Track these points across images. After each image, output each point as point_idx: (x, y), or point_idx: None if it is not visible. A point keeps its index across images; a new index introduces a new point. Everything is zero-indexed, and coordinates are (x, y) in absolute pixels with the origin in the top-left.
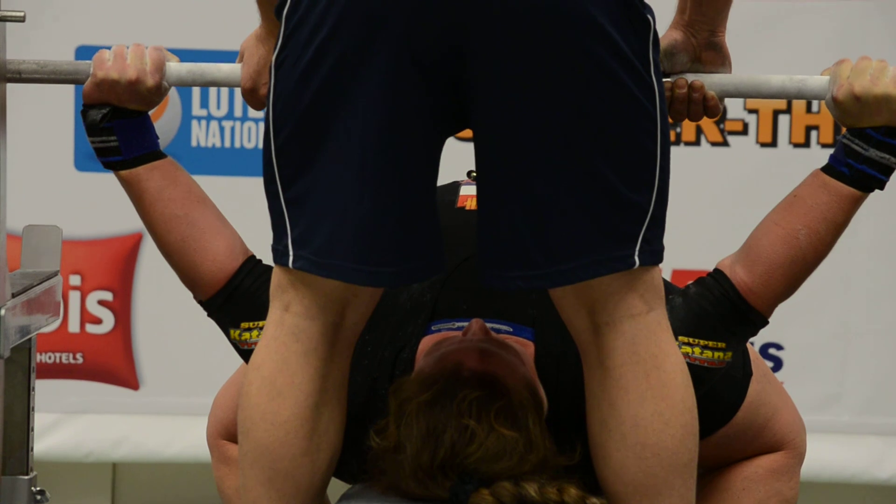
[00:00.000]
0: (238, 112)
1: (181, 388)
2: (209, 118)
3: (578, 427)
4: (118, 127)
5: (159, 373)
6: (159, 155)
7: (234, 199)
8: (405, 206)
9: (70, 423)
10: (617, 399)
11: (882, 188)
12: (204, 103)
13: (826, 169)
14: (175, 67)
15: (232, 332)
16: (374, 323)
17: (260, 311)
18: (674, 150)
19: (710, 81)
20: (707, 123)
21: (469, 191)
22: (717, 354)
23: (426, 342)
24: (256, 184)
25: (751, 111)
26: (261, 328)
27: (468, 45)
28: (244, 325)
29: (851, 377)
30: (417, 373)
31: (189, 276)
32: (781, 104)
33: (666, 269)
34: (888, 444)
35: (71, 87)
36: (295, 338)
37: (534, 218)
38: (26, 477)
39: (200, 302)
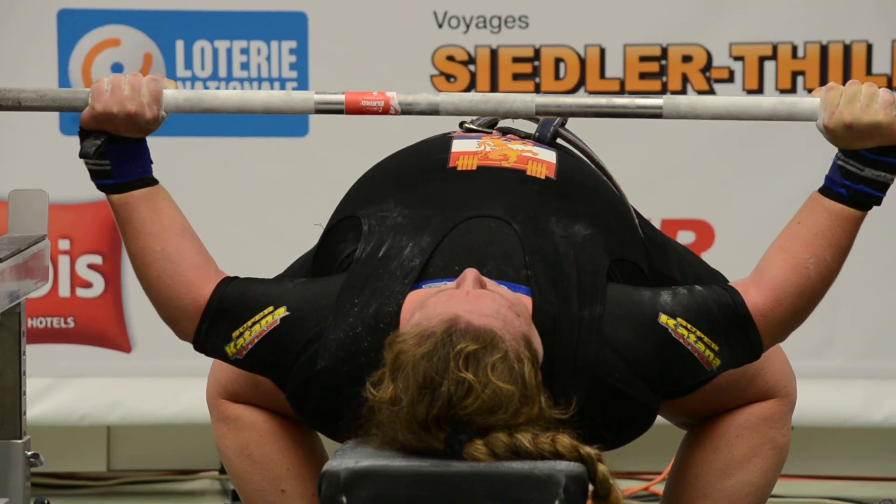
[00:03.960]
0: (223, 72)
1: (174, 350)
2: (194, 79)
3: (573, 385)
4: (112, 153)
5: (151, 335)
6: (151, 182)
7: (212, 162)
8: None
9: (63, 388)
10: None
11: (879, 204)
12: (188, 64)
13: (824, 191)
14: (172, 95)
15: (228, 349)
16: (362, 287)
17: (246, 313)
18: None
19: (702, 105)
20: (693, 71)
21: (461, 146)
22: (707, 353)
23: (414, 296)
24: (236, 144)
25: (736, 58)
26: (251, 326)
27: None
28: (236, 333)
29: (843, 322)
30: (413, 325)
31: (168, 311)
32: (767, 50)
33: (655, 220)
34: (881, 387)
35: (54, 46)
36: None
37: None
38: (20, 441)
39: (192, 340)
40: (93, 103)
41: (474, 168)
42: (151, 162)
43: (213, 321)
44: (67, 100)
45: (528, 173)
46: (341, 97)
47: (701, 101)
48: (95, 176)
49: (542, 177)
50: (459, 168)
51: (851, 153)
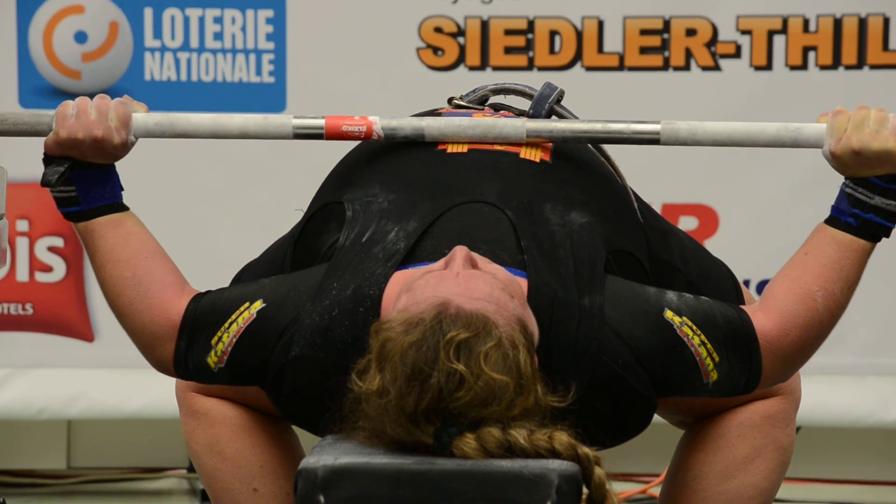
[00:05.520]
0: (194, 42)
1: None
2: (163, 49)
3: (573, 371)
4: (78, 179)
5: (115, 323)
6: (119, 207)
7: (188, 142)
8: None
9: (20, 379)
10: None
11: (888, 235)
12: (157, 33)
13: (831, 221)
14: (142, 119)
15: (210, 360)
16: (342, 270)
17: (222, 316)
18: (662, 75)
19: (703, 131)
20: (697, 45)
21: None
22: (708, 361)
23: (399, 276)
24: None
25: (744, 31)
26: (229, 327)
27: None
28: (214, 339)
29: (854, 316)
30: (400, 311)
31: (143, 338)
32: (776, 23)
33: (656, 204)
34: (894, 385)
35: (12, 14)
36: None
37: None
38: None
39: (173, 364)
40: (57, 129)
41: (465, 150)
42: (122, 188)
43: (190, 335)
44: (30, 124)
45: (522, 156)
46: (321, 122)
47: (701, 127)
48: (61, 204)
49: (537, 160)
50: (449, 151)
51: (860, 181)
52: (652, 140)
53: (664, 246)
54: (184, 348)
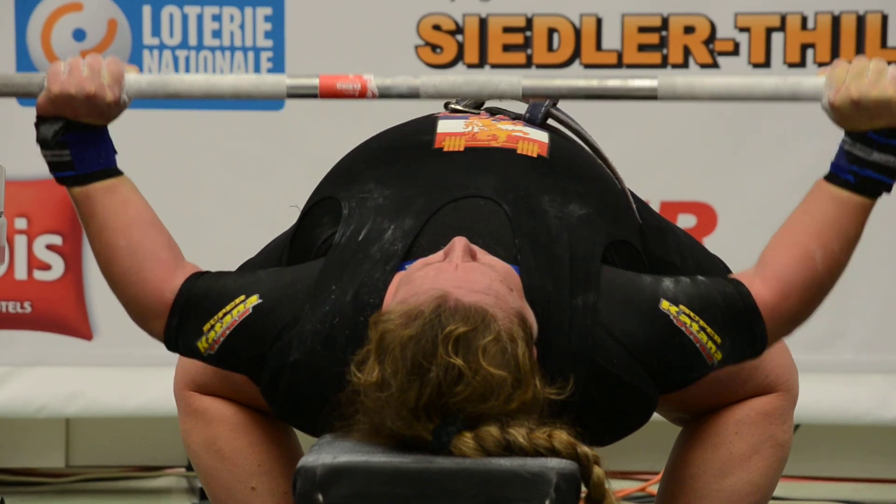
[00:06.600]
0: (192, 40)
1: (138, 338)
2: (161, 47)
3: (565, 372)
4: (72, 141)
5: (114, 321)
6: (114, 172)
7: (187, 136)
8: None
9: (19, 377)
10: None
11: (889, 191)
12: (156, 31)
13: (830, 178)
14: (134, 79)
15: (201, 344)
16: (340, 273)
17: (217, 305)
18: (661, 73)
19: (701, 85)
20: (695, 43)
21: (447, 127)
22: (710, 344)
23: (397, 278)
24: (214, 117)
25: (742, 29)
26: (223, 317)
27: None
28: (207, 326)
29: (853, 311)
30: (399, 303)
31: (136, 309)
32: (775, 21)
33: (654, 202)
34: (892, 382)
35: (10, 11)
36: None
37: None
38: None
39: (163, 338)
40: (49, 85)
41: (461, 149)
42: (115, 152)
43: (182, 316)
44: (22, 84)
45: (519, 152)
46: (315, 81)
47: (699, 82)
48: (54, 168)
49: (534, 155)
50: (446, 149)
51: (858, 136)
52: (649, 95)
53: (662, 243)
54: (175, 326)
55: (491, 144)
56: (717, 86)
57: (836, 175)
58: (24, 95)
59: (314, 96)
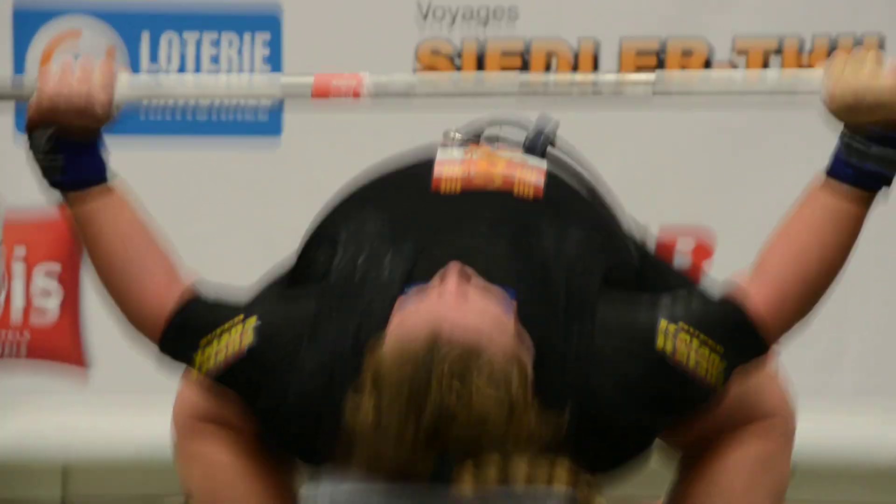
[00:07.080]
0: (191, 65)
1: (136, 368)
2: (160, 72)
3: (563, 395)
4: (64, 146)
5: (111, 353)
6: (109, 176)
7: (185, 162)
8: None
9: (15, 412)
10: None
11: (889, 185)
12: (154, 57)
13: (828, 172)
14: (127, 80)
15: (197, 358)
16: (338, 307)
17: (215, 321)
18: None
19: (699, 80)
20: (693, 66)
21: (445, 166)
22: (713, 356)
23: (398, 304)
24: (209, 143)
25: (740, 52)
26: (220, 335)
27: None
28: (204, 340)
29: (851, 339)
30: (392, 335)
31: (133, 318)
32: (772, 44)
33: (652, 226)
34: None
35: (9, 39)
36: None
37: None
38: None
39: (158, 344)
40: (41, 87)
41: (458, 192)
42: (109, 157)
43: (179, 328)
44: (13, 88)
45: (516, 195)
46: (309, 79)
47: (697, 76)
48: (46, 173)
49: (531, 196)
50: (443, 191)
51: (857, 129)
52: (645, 91)
53: (658, 283)
54: (171, 337)
55: (487, 188)
56: (716, 79)
57: (834, 169)
58: (16, 98)
59: (307, 95)
